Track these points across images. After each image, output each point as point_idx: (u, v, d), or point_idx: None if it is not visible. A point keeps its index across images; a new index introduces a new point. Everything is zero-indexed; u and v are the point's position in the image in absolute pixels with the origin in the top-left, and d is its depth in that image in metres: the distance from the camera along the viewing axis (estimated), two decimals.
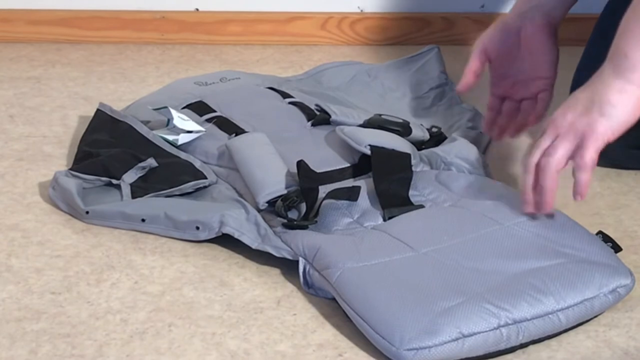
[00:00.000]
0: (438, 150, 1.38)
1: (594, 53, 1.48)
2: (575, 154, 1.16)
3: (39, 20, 1.92)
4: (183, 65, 1.84)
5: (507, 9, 1.90)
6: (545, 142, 1.18)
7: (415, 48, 1.83)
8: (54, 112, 1.65)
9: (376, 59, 1.85)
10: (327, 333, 1.11)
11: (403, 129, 1.42)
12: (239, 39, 1.93)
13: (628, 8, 1.19)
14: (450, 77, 1.66)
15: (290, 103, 1.51)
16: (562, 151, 1.16)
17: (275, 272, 1.21)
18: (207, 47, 1.92)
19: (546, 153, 1.17)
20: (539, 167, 1.18)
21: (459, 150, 1.37)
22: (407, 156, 1.33)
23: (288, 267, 1.21)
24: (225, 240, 1.27)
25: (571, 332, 1.11)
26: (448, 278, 1.12)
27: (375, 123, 1.43)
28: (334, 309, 1.14)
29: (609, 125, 1.15)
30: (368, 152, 1.33)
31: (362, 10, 1.94)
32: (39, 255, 1.26)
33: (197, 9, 1.94)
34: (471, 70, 1.43)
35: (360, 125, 1.43)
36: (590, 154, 1.15)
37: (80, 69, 1.82)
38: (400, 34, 1.94)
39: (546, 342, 1.10)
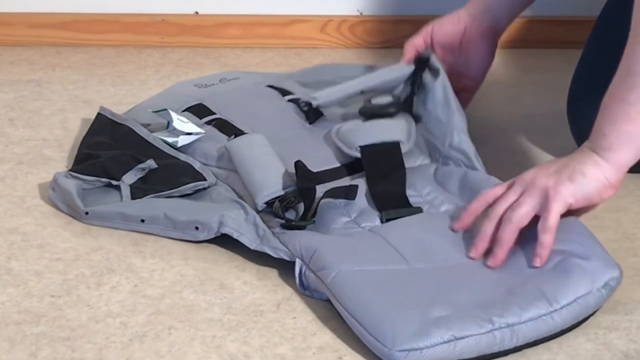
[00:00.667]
0: (433, 139, 1.38)
1: (591, 56, 1.49)
2: (540, 215, 1.17)
3: (39, 23, 1.92)
4: (183, 68, 1.84)
5: None
6: (511, 197, 1.19)
7: None
8: (54, 115, 1.65)
9: (375, 62, 1.85)
10: (327, 336, 1.11)
11: (395, 109, 1.42)
12: (239, 42, 1.93)
13: (610, 85, 1.20)
14: None
15: (289, 100, 1.51)
16: (526, 208, 1.17)
17: (275, 275, 1.21)
18: (207, 50, 1.92)
19: (511, 207, 1.18)
20: (501, 219, 1.19)
21: (452, 139, 1.37)
22: (396, 147, 1.33)
23: (287, 270, 1.21)
24: (225, 243, 1.27)
25: (571, 335, 1.12)
26: (441, 292, 1.12)
27: (367, 113, 1.43)
28: (334, 312, 1.14)
29: (573, 191, 1.17)
30: (359, 155, 1.33)
31: (361, 13, 1.94)
32: (39, 259, 1.26)
33: (196, 12, 1.94)
34: (412, 44, 1.52)
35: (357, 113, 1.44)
36: (554, 217, 1.16)
37: (81, 72, 1.82)
38: (400, 37, 1.93)
39: (546, 344, 1.10)
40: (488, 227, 1.19)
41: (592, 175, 1.17)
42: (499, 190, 1.21)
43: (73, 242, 1.29)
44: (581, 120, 1.46)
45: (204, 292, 1.19)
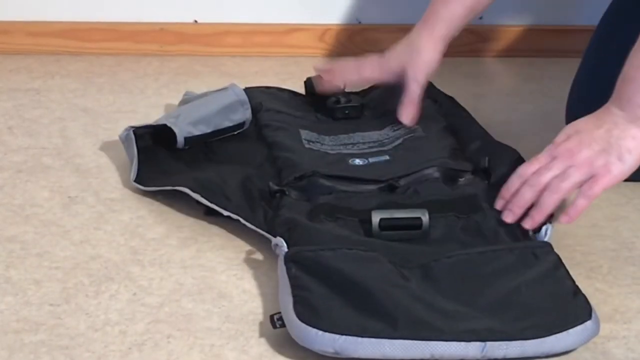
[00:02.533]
0: None
1: (591, 65, 1.49)
2: (585, 184, 1.22)
3: (38, 32, 1.93)
4: (182, 77, 1.84)
5: (506, 20, 1.91)
6: (555, 169, 1.23)
7: None
8: (53, 123, 1.65)
9: None
10: None
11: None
12: (238, 50, 1.94)
13: (631, 50, 1.24)
14: (445, 90, 1.64)
15: None
16: (575, 180, 1.22)
17: (273, 284, 1.21)
18: (206, 59, 1.92)
19: (560, 177, 1.22)
20: (545, 187, 1.23)
21: None
22: None
23: None
24: (224, 251, 1.27)
25: None
26: None
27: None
28: None
29: (623, 170, 1.23)
30: None
31: (360, 22, 1.94)
32: (38, 267, 1.26)
33: (195, 21, 1.94)
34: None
35: None
36: (600, 188, 1.22)
37: (80, 81, 1.82)
38: None
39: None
40: (528, 194, 1.24)
41: (635, 150, 1.23)
42: (537, 164, 1.25)
43: (72, 250, 1.29)
44: None
45: (202, 300, 1.19)
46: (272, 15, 1.93)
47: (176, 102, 1.69)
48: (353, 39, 1.94)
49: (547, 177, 1.23)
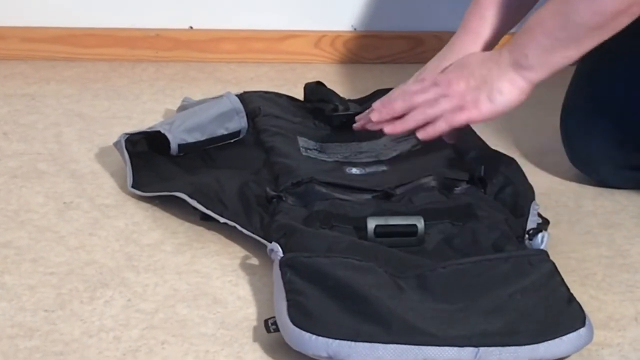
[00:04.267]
0: None
1: (585, 72, 1.49)
2: (450, 111, 1.31)
3: (34, 37, 1.93)
4: (177, 83, 1.84)
5: None
6: (431, 92, 1.33)
7: (408, 66, 1.84)
8: (48, 129, 1.65)
9: (369, 77, 1.86)
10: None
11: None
12: (233, 56, 1.94)
13: (541, 11, 1.29)
14: None
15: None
16: (442, 108, 1.32)
17: (268, 290, 1.21)
18: (201, 65, 1.92)
19: (430, 103, 1.32)
20: (416, 105, 1.33)
21: None
22: None
23: None
24: (219, 257, 1.27)
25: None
26: None
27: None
28: None
29: (491, 109, 1.30)
30: None
31: (355, 29, 1.94)
32: (32, 273, 1.26)
33: (191, 27, 1.95)
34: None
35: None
36: (463, 119, 1.32)
37: (75, 86, 1.82)
38: (394, 52, 1.94)
39: None
40: (399, 105, 1.34)
41: (507, 92, 1.29)
42: (419, 85, 1.35)
43: (67, 256, 1.29)
44: (575, 137, 1.46)
45: (197, 306, 1.19)
46: (268, 22, 1.94)
47: (171, 108, 1.69)
48: (348, 46, 1.94)
49: (420, 99, 1.33)
